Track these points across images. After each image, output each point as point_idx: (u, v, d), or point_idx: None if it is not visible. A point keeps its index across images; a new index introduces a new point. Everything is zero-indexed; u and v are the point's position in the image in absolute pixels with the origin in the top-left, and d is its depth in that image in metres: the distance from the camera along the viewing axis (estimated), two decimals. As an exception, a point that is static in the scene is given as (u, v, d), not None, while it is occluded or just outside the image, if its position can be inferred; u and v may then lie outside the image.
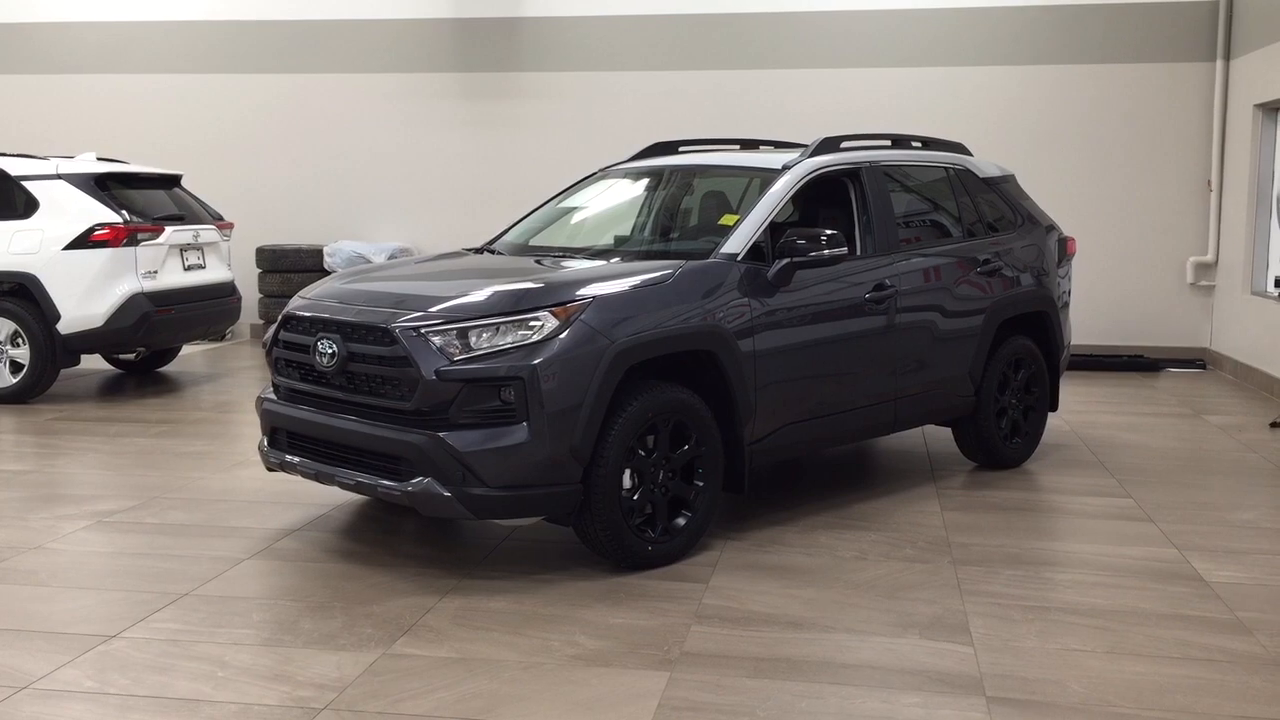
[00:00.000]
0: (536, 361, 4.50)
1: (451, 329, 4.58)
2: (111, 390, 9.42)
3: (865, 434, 6.11)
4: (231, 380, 9.92)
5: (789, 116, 11.10)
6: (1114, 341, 11.03)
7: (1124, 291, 11.05)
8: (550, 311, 4.63)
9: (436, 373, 4.51)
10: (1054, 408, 6.92)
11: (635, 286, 4.89)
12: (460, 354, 4.54)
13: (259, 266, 12.12)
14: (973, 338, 6.27)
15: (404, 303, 4.80)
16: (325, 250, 11.90)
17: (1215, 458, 7.07)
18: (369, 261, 11.42)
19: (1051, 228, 7.05)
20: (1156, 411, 8.58)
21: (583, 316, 4.64)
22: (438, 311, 4.66)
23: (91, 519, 5.62)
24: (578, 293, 4.73)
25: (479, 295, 4.76)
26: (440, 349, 4.55)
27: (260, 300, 12.10)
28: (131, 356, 10.10)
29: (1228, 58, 10.60)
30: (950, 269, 6.19)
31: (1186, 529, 5.49)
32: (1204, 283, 10.92)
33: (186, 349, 11.04)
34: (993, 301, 6.38)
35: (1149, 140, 10.95)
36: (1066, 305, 7.07)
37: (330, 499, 5.85)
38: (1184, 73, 10.82)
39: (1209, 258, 10.83)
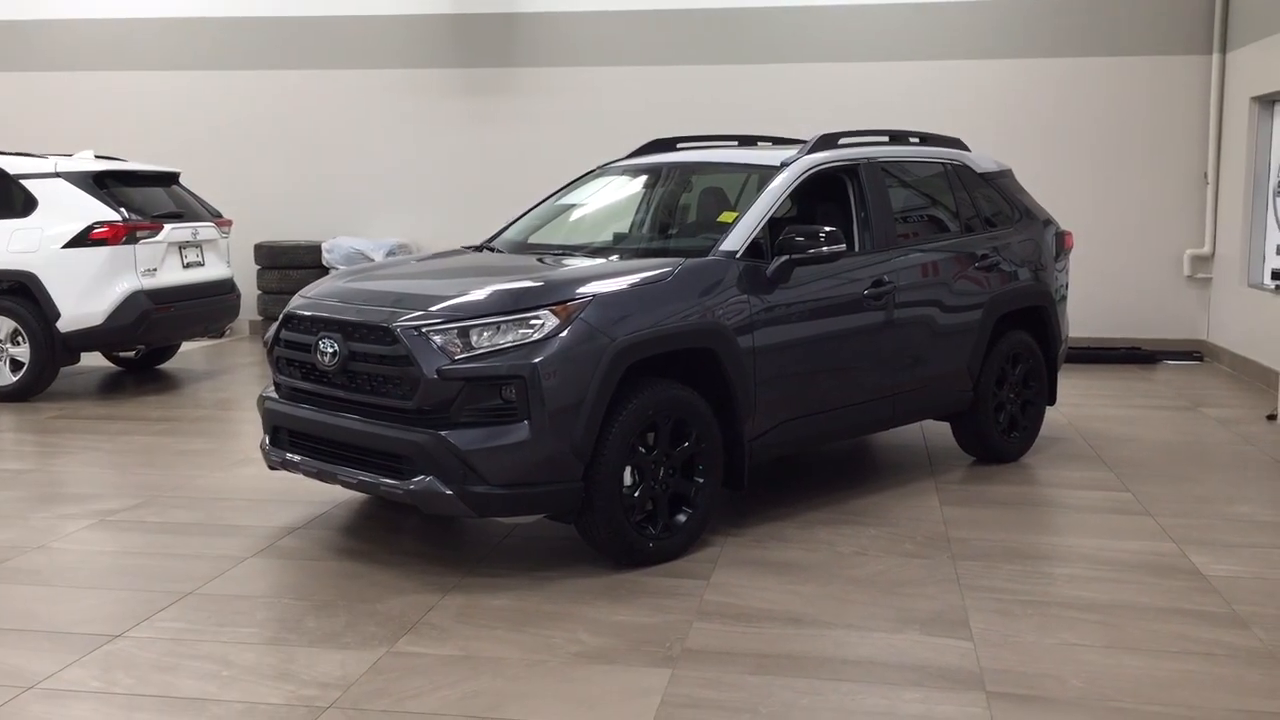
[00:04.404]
0: (537, 360, 4.52)
1: (452, 328, 4.60)
2: (111, 388, 9.43)
3: (864, 429, 6.14)
4: (231, 377, 9.94)
5: (787, 112, 11.11)
6: (1111, 334, 11.06)
7: (1121, 284, 11.07)
8: (550, 310, 4.64)
9: (438, 371, 4.53)
10: (1052, 401, 6.95)
11: (635, 284, 4.91)
12: (461, 353, 4.56)
13: (257, 263, 12.12)
14: (971, 333, 6.29)
15: (405, 302, 4.82)
16: (324, 246, 11.91)
17: (1213, 451, 7.10)
18: (367, 257, 11.44)
19: (1049, 222, 7.07)
20: (1154, 404, 8.61)
21: (583, 315, 4.66)
22: (438, 310, 4.68)
23: (94, 518, 5.64)
24: (578, 291, 4.75)
25: (479, 294, 4.78)
26: (441, 348, 4.57)
27: (259, 297, 12.11)
28: (131, 354, 10.12)
29: (1224, 50, 10.61)
30: (948, 264, 6.21)
31: (1184, 523, 5.51)
32: (1201, 275, 10.94)
33: (186, 346, 11.07)
34: (990, 296, 6.40)
35: (1145, 134, 10.97)
36: (1064, 299, 7.09)
37: (331, 497, 5.87)
38: (1180, 66, 10.83)
39: (1205, 250, 10.85)
